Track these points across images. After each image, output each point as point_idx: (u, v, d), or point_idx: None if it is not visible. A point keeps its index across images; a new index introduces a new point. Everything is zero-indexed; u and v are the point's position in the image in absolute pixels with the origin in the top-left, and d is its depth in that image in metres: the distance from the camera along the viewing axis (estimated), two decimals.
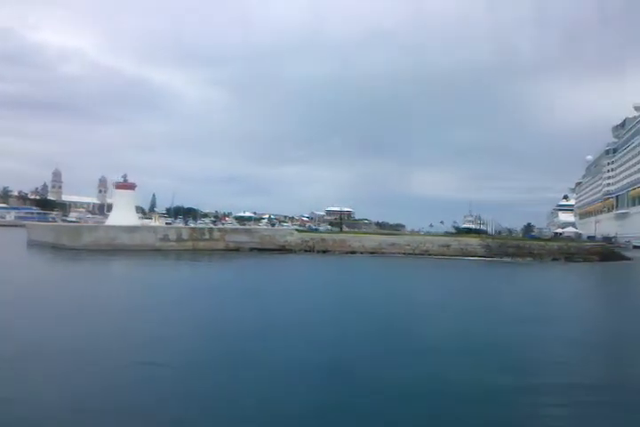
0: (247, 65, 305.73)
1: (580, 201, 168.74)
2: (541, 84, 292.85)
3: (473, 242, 52.30)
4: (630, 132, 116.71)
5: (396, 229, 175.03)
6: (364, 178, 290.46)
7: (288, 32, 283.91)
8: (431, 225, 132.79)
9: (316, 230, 77.61)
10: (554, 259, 51.07)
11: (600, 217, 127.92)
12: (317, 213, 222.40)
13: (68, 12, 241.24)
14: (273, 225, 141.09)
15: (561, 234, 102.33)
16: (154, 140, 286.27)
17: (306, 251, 49.07)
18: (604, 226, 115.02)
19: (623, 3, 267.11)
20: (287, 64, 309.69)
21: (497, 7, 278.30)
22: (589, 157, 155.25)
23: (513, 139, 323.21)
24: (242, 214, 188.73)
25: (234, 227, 54.93)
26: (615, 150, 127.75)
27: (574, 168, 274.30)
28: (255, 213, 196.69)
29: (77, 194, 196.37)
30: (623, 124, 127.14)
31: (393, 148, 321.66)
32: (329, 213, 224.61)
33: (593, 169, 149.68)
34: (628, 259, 56.56)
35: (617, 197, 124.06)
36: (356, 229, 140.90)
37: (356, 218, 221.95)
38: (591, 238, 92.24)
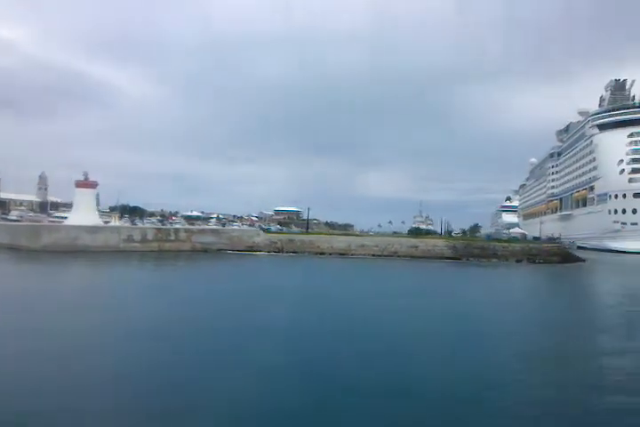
0: (195, 63, 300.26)
1: (523, 202, 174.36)
2: (491, 87, 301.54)
3: (439, 243, 52.64)
4: (575, 137, 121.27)
5: (346, 228, 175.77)
6: (313, 178, 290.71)
7: (239, 30, 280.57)
8: (380, 225, 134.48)
9: (269, 230, 76.55)
10: (517, 260, 52.03)
11: (544, 218, 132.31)
12: (266, 212, 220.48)
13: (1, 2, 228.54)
14: (223, 225, 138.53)
15: (506, 235, 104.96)
16: (94, 136, 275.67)
17: (275, 252, 47.97)
18: (548, 227, 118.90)
19: (564, 13, 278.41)
20: (237, 63, 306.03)
21: (452, 12, 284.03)
22: (533, 160, 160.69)
23: (460, 141, 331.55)
24: (189, 214, 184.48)
25: (201, 227, 53.15)
26: (559, 154, 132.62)
27: (517, 170, 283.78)
28: (203, 212, 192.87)
29: (15, 191, 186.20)
30: (567, 129, 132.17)
31: (342, 148, 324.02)
32: (278, 212, 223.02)
33: (537, 172, 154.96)
34: (583, 260, 58.39)
35: (561, 199, 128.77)
36: (316, 230, 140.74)
37: (305, 218, 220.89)
38: (537, 239, 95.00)
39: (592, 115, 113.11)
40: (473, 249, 52.30)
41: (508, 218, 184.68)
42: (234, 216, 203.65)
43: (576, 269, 52.24)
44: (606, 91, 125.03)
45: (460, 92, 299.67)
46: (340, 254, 48.75)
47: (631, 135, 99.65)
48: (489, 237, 74.81)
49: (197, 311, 18.02)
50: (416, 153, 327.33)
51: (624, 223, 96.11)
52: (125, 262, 37.53)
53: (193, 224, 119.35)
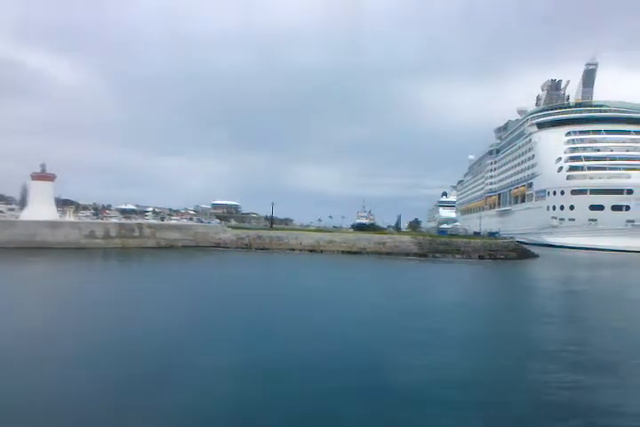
0: (131, 54, 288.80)
1: (461, 198, 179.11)
2: (428, 85, 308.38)
3: (405, 239, 52.49)
4: (514, 135, 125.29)
5: (286, 223, 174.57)
6: (249, 172, 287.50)
7: (179, 23, 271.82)
8: (320, 220, 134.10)
9: (209, 224, 74.19)
10: (480, 256, 52.61)
11: (483, 213, 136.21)
12: (203, 206, 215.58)
13: None
14: (162, 219, 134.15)
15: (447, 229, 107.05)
16: (24, 125, 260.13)
17: (243, 248, 46.15)
18: (487, 222, 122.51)
19: (504, 14, 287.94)
20: (173, 56, 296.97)
21: (383, 11, 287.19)
22: (472, 157, 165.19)
23: (397, 137, 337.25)
24: (123, 207, 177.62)
25: (166, 223, 50.44)
26: (498, 151, 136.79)
27: (452, 166, 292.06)
28: (138, 205, 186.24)
29: None
30: (506, 127, 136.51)
31: (281, 142, 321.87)
32: (215, 206, 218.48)
33: (476, 168, 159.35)
34: (537, 256, 60.04)
35: (499, 195, 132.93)
36: (245, 224, 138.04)
37: (244, 212, 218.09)
38: (477, 234, 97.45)
39: (531, 113, 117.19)
40: (438, 245, 52.48)
41: (446, 213, 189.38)
42: (170, 210, 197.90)
43: (536, 264, 53.69)
44: (542, 90, 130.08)
45: (398, 89, 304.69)
46: (310, 251, 47.60)
47: (569, 134, 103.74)
48: (444, 233, 75.63)
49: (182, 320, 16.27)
50: (352, 148, 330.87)
51: (562, 219, 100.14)
52: (88, 260, 34.87)
53: (129, 218, 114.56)
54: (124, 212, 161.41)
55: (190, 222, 63.54)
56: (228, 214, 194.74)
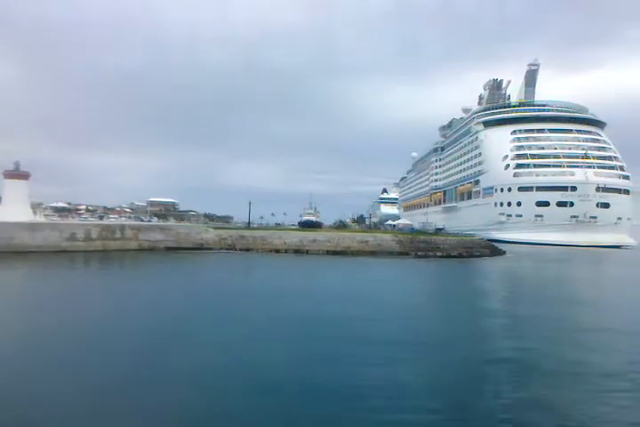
0: (60, 49, 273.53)
1: (404, 194, 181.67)
2: (371, 83, 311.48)
3: (387, 238, 51.84)
4: (459, 133, 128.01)
5: (226, 220, 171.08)
6: (188, 168, 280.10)
7: (112, 18, 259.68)
8: (262, 217, 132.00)
9: (149, 222, 71.06)
10: (459, 254, 52.76)
11: (428, 210, 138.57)
12: (139, 203, 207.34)
13: None
14: (101, 218, 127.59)
15: (395, 226, 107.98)
16: None
17: (226, 249, 43.81)
18: (432, 218, 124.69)
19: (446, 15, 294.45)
20: (106, 49, 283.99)
21: (326, 8, 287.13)
22: (415, 154, 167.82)
23: (337, 133, 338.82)
24: (54, 205, 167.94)
25: (148, 224, 47.15)
26: (443, 149, 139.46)
27: (392, 163, 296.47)
28: (70, 203, 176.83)
29: None
30: (450, 125, 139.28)
31: (218, 139, 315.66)
32: (151, 203, 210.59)
33: (420, 165, 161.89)
34: (504, 252, 61.12)
35: (445, 191, 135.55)
36: (194, 222, 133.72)
37: (182, 209, 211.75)
38: (413, 230, 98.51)
39: (477, 112, 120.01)
40: (418, 244, 52.16)
41: (387, 209, 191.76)
42: (105, 207, 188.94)
43: (508, 260, 54.63)
44: (485, 89, 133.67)
45: (341, 87, 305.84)
46: (295, 251, 45.87)
47: (514, 132, 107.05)
48: (413, 230, 75.74)
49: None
50: (292, 145, 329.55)
51: (509, 215, 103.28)
52: (70, 265, 31.69)
53: (65, 217, 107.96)
54: (55, 210, 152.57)
55: (135, 222, 59.71)
56: (166, 212, 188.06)
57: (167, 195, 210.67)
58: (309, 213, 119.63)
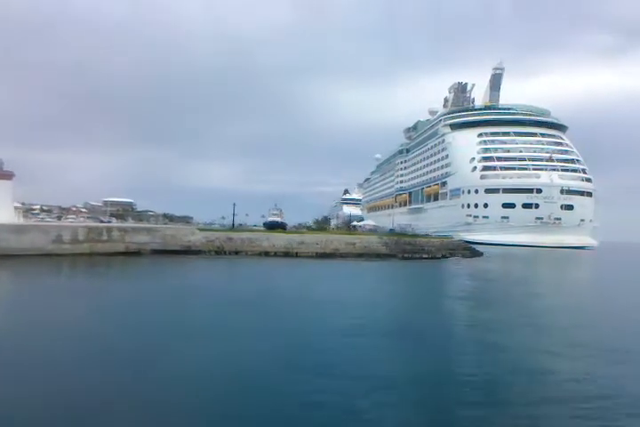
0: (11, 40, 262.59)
1: (368, 196, 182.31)
2: (329, 85, 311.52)
3: (373, 240, 51.35)
4: (425, 135, 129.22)
5: (186, 221, 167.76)
6: (143, 168, 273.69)
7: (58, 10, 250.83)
8: (223, 217, 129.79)
9: (176, 226, 68.58)
10: (443, 255, 52.84)
11: (394, 211, 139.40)
12: (94, 203, 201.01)
13: None
14: (59, 218, 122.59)
15: (360, 227, 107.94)
16: None
17: (216, 252, 42.27)
18: (398, 219, 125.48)
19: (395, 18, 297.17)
20: (56, 46, 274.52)
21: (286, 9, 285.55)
22: (378, 156, 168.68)
23: (296, 135, 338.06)
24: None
25: (134, 226, 45.02)
26: (408, 150, 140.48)
27: (353, 165, 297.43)
28: (24, 203, 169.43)
29: None
30: (415, 127, 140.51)
31: (175, 138, 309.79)
32: (107, 203, 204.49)
33: (384, 167, 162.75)
34: (482, 254, 61.68)
35: (410, 193, 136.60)
36: (153, 222, 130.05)
37: (139, 209, 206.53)
38: (392, 231, 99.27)
39: (444, 115, 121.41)
40: (404, 246, 51.83)
41: (349, 210, 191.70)
42: (59, 207, 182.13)
43: (488, 261, 55.22)
44: (450, 92, 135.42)
45: (301, 88, 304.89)
46: (285, 253, 44.69)
47: (480, 135, 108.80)
48: (391, 231, 75.54)
49: None
50: (250, 145, 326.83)
51: (476, 217, 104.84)
52: (57, 272, 29.75)
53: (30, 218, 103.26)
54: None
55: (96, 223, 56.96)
56: (124, 212, 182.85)
57: (122, 194, 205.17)
58: (275, 214, 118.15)
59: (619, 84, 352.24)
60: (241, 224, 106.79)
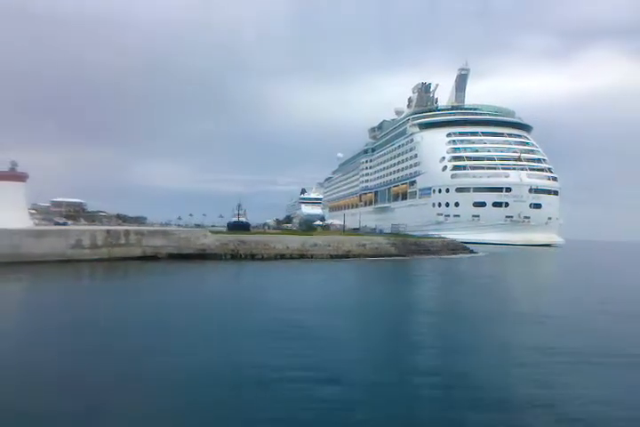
0: None
1: (329, 195, 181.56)
2: (280, 85, 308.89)
3: (382, 241, 50.47)
4: (392, 134, 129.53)
5: (140, 221, 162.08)
6: (92, 167, 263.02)
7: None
8: (179, 218, 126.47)
9: (65, 225, 65.32)
10: (447, 255, 52.74)
11: (359, 210, 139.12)
12: (42, 204, 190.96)
13: None
14: None
15: (325, 226, 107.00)
16: None
17: (232, 256, 40.20)
18: (363, 219, 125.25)
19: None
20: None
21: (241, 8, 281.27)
22: (340, 155, 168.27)
23: (250, 134, 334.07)
24: None
25: (150, 229, 42.27)
26: (374, 150, 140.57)
27: (306, 164, 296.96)
28: None
29: None
30: (380, 126, 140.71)
31: (127, 137, 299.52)
32: (56, 204, 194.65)
33: (348, 166, 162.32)
34: (477, 252, 62.08)
35: (376, 192, 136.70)
36: (97, 222, 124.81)
37: (90, 210, 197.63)
38: (356, 230, 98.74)
39: (412, 114, 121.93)
40: (410, 246, 51.33)
41: (308, 209, 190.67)
42: None
43: (488, 257, 55.90)
44: (414, 92, 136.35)
45: (256, 87, 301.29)
46: (300, 256, 43.10)
47: (449, 135, 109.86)
48: (381, 232, 74.81)
49: None
50: (202, 145, 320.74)
51: (447, 215, 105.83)
52: (79, 278, 27.47)
53: None
54: None
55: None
56: (75, 213, 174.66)
57: (71, 195, 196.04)
58: (239, 214, 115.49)
59: (566, 86, 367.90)
60: (199, 225, 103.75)
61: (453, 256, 51.85)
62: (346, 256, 45.21)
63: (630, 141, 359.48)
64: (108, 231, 34.43)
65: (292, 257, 42.69)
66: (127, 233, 35.17)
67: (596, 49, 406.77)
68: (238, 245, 41.20)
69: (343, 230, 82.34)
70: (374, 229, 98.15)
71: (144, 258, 35.35)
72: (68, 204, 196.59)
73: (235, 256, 40.23)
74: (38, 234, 30.55)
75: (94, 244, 32.58)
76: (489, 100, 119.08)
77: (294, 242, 44.50)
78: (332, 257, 44.42)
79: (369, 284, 29.93)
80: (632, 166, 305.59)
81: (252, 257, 40.84)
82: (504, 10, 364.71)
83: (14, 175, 35.35)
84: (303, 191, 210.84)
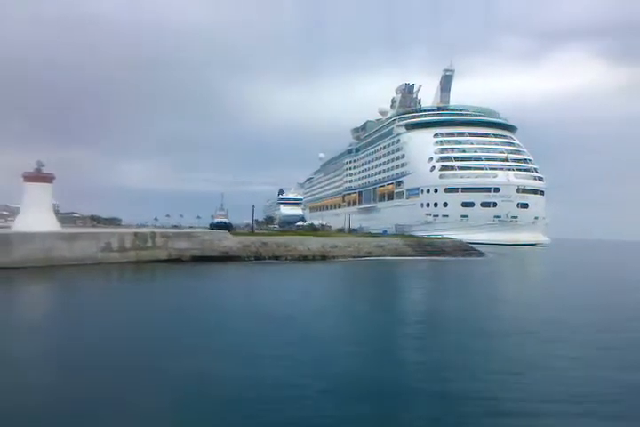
0: None
1: (310, 195, 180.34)
2: (257, 83, 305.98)
3: (398, 242, 49.82)
4: (377, 135, 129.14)
5: (116, 223, 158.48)
6: (65, 168, 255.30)
7: None
8: (156, 219, 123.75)
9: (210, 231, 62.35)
10: (461, 255, 52.33)
11: (343, 210, 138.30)
12: (13, 205, 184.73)
13: None
14: None
15: (300, 226, 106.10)
16: None
17: (256, 258, 38.94)
18: (343, 219, 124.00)
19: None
20: None
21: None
22: (322, 155, 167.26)
23: (228, 133, 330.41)
24: None
25: (174, 231, 40.64)
26: (357, 150, 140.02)
27: (286, 165, 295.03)
28: None
29: None
30: (364, 127, 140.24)
31: (99, 137, 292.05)
32: None
33: (330, 166, 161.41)
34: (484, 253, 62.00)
35: (360, 192, 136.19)
36: (80, 224, 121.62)
37: (63, 211, 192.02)
38: (341, 230, 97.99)
39: (398, 115, 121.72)
40: (425, 247, 50.80)
41: (287, 210, 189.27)
42: None
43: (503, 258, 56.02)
44: (397, 93, 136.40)
45: (221, 86, 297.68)
46: (322, 257, 42.06)
47: (436, 135, 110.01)
48: (385, 232, 74.08)
49: None
50: (177, 144, 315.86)
51: (436, 215, 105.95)
52: (112, 281, 26.08)
53: None
54: None
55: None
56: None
57: None
58: (221, 215, 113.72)
59: (538, 87, 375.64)
60: (176, 226, 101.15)
61: (468, 258, 51.31)
62: (366, 257, 44.43)
63: (603, 141, 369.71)
64: (135, 234, 32.90)
65: (314, 258, 41.67)
66: (154, 235, 33.69)
67: (568, 50, 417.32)
68: (260, 247, 39.93)
69: (348, 231, 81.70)
70: (355, 229, 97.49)
71: (169, 261, 34.01)
72: None
73: (258, 258, 39.03)
74: (70, 237, 28.83)
75: (123, 246, 31.07)
76: (468, 100, 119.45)
77: (315, 243, 43.41)
78: (353, 258, 43.61)
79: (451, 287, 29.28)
80: (606, 166, 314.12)
81: (276, 259, 39.71)
82: (479, 11, 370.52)
83: (41, 176, 33.41)
84: (281, 192, 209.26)
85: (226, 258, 37.48)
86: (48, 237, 27.65)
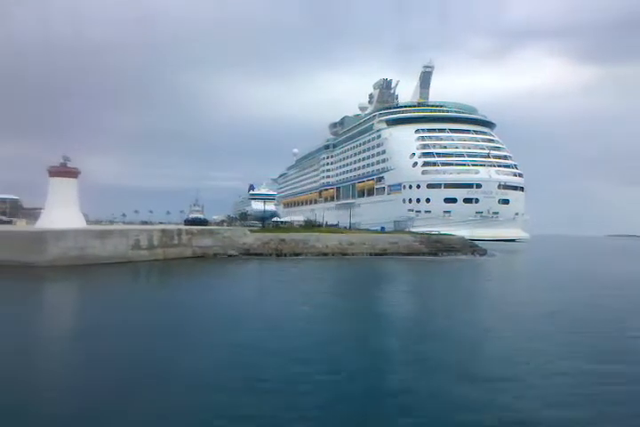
0: None
1: (285, 191, 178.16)
2: (227, 79, 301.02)
3: (409, 238, 48.86)
4: (356, 130, 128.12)
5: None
6: (27, 163, 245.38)
7: None
8: (124, 215, 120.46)
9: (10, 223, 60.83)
10: (471, 253, 51.81)
11: (320, 206, 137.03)
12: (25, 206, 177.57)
13: None
14: None
15: (281, 222, 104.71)
16: None
17: (277, 255, 37.42)
18: (320, 215, 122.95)
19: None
20: None
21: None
22: (296, 151, 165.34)
23: (187, 128, 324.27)
24: None
25: (198, 228, 38.65)
26: (335, 146, 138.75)
27: (251, 160, 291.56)
28: None
29: None
30: (342, 122, 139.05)
31: (62, 131, 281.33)
32: None
33: (305, 162, 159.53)
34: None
35: (338, 188, 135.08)
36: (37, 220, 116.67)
37: (27, 207, 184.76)
38: (319, 226, 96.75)
39: (379, 110, 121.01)
40: (435, 243, 50.01)
41: (259, 206, 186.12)
42: None
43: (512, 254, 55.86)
44: (375, 89, 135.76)
45: (194, 80, 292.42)
46: (342, 254, 40.80)
47: (418, 131, 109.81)
48: (382, 229, 72.94)
49: None
50: (138, 140, 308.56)
51: (418, 211, 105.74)
52: (148, 279, 24.50)
53: None
54: None
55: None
56: (12, 210, 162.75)
57: (3, 191, 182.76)
58: (197, 211, 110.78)
59: (501, 85, 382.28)
60: (145, 222, 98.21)
61: (479, 258, 50.75)
62: (382, 254, 43.36)
63: (563, 139, 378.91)
64: (163, 231, 31.15)
65: (333, 255, 40.43)
66: (180, 233, 32.04)
67: (530, 49, 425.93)
68: (279, 244, 38.44)
69: (349, 228, 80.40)
70: (335, 224, 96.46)
71: (193, 258, 32.39)
72: (3, 200, 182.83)
73: (279, 255, 37.55)
74: (102, 235, 26.88)
75: (151, 244, 29.46)
76: (444, 97, 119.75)
77: (331, 240, 42.11)
78: (370, 255, 42.53)
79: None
80: (566, 163, 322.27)
81: (296, 255, 38.30)
82: (445, 9, 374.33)
83: (68, 171, 31.21)
84: (251, 188, 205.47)
85: (247, 255, 35.93)
86: (81, 235, 25.67)
